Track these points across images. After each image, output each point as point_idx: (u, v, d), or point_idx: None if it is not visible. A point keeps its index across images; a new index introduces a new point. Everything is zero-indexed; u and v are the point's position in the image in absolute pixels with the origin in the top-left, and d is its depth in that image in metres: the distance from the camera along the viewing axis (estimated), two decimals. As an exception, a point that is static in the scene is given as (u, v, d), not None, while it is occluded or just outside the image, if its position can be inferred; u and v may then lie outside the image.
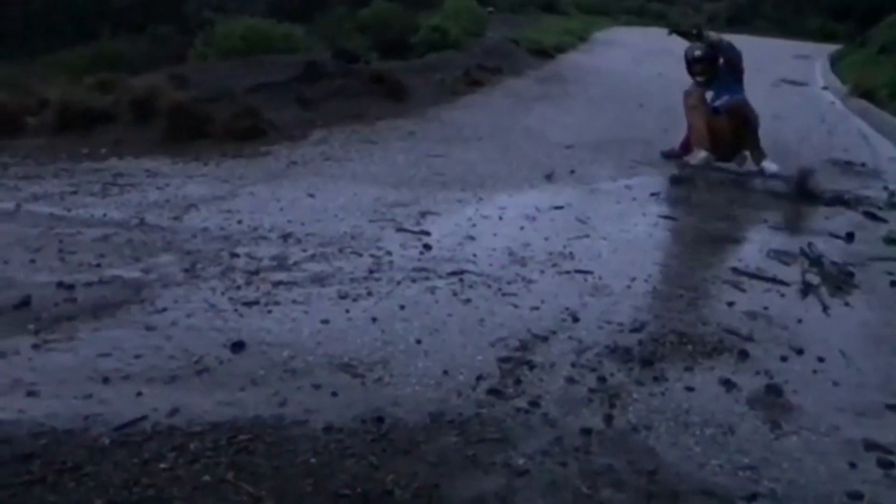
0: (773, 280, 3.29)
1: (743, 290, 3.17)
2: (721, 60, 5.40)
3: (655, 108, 7.46)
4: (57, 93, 6.18)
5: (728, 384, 2.35)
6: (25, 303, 2.67)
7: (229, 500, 1.70)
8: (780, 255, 3.61)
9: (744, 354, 2.56)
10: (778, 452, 2.02)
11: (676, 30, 5.75)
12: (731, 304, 3.02)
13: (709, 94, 5.39)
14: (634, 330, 2.70)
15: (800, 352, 2.61)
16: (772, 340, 2.70)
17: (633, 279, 3.20)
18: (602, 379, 2.33)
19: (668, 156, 5.61)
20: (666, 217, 4.20)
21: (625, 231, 3.94)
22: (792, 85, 10.40)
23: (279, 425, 2.00)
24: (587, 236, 3.78)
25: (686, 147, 5.49)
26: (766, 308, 2.98)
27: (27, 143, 5.49)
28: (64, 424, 1.94)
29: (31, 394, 2.10)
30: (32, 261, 3.12)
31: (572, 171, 5.22)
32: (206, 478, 1.77)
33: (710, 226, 4.14)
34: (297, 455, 1.88)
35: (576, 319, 2.77)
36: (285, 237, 3.55)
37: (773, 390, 2.33)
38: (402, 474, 1.82)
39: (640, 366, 2.43)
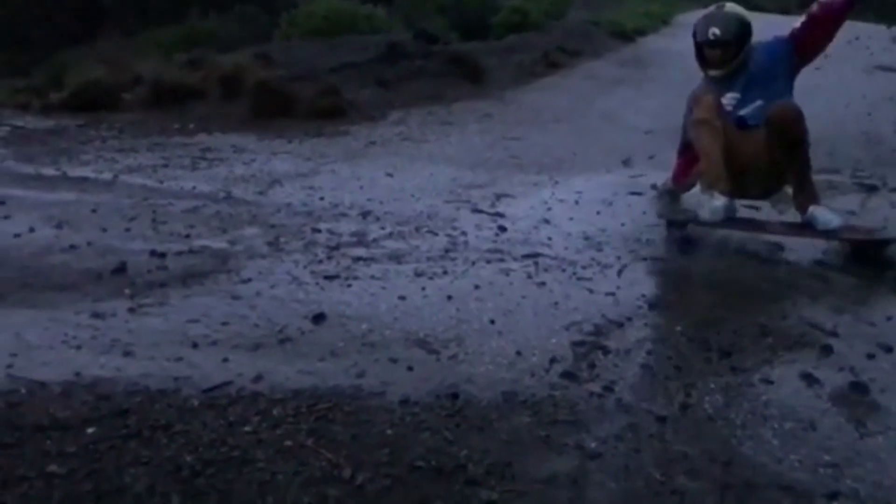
0: (861, 275, 3.15)
1: (828, 284, 3.06)
2: (773, 38, 3.45)
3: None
4: (150, 70, 6.48)
5: (809, 379, 2.28)
6: (122, 269, 2.83)
7: (309, 465, 1.76)
8: (870, 249, 3.45)
9: (827, 349, 2.47)
10: (862, 452, 1.95)
11: None
12: (814, 297, 2.92)
13: (729, 98, 3.44)
14: (713, 320, 2.65)
15: (888, 350, 2.50)
16: (858, 336, 2.60)
17: (713, 268, 3.14)
18: (678, 367, 2.30)
19: (662, 194, 3.87)
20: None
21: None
22: (888, 72, 9.85)
23: (357, 396, 2.05)
24: (665, 223, 3.70)
25: (681, 178, 3.72)
26: (852, 303, 2.87)
27: (123, 117, 5.78)
28: (156, 384, 2.05)
29: (127, 354, 2.23)
30: (128, 229, 3.30)
31: (651, 157, 5.12)
32: (288, 442, 1.84)
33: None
34: (373, 425, 1.93)
35: (652, 307, 2.74)
36: (364, 214, 3.63)
37: (859, 388, 2.24)
38: (476, 450, 1.84)
39: (717, 356, 2.38)
